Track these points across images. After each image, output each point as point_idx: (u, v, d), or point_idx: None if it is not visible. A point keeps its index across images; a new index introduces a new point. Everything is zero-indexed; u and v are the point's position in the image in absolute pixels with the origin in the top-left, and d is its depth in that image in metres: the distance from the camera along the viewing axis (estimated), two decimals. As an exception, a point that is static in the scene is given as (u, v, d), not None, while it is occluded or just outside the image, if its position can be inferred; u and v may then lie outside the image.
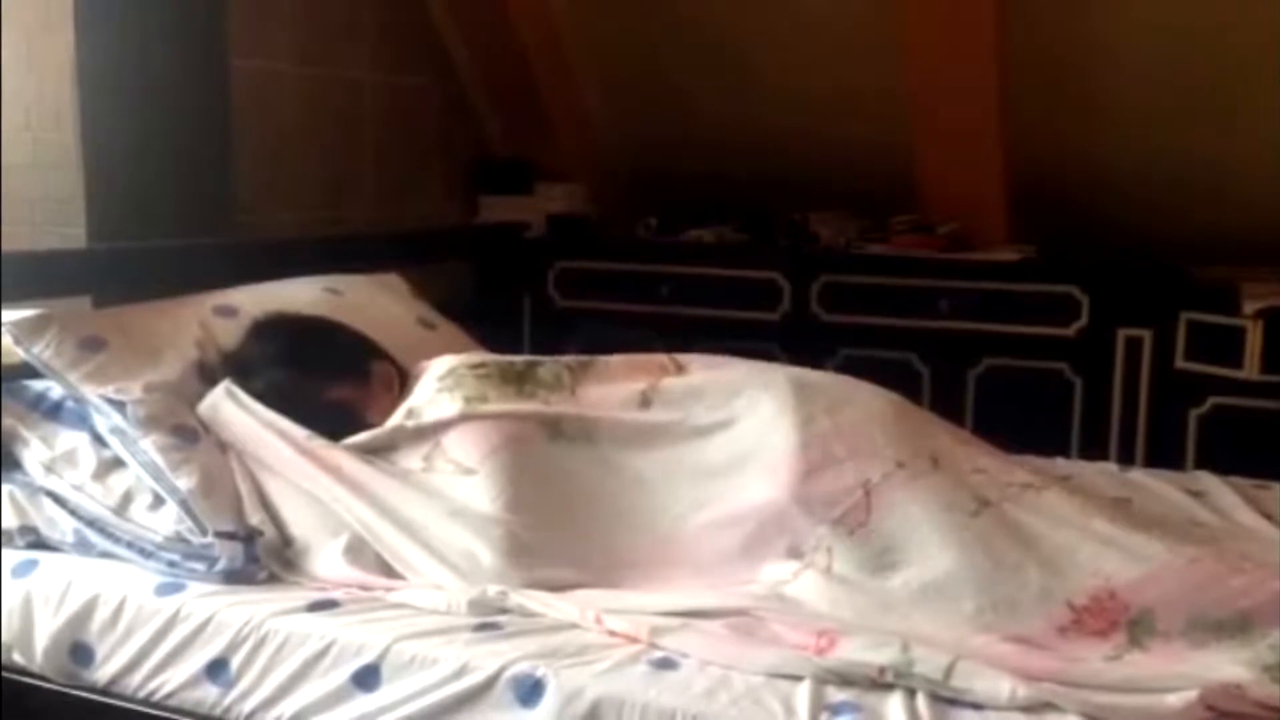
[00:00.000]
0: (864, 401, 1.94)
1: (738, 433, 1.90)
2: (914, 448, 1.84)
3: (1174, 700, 1.39)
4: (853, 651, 1.51)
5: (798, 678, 1.49)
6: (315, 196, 3.29)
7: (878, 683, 1.47)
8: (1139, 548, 1.67)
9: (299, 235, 3.07)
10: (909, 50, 3.28)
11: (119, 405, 1.96)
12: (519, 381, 2.01)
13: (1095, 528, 1.72)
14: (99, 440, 2.01)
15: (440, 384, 2.02)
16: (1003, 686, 1.42)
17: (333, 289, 2.44)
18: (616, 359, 2.08)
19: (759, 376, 1.99)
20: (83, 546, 1.93)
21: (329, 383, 2.08)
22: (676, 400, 1.96)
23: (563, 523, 1.86)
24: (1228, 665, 1.49)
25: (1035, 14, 3.15)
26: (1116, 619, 1.59)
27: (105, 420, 1.98)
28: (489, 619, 1.67)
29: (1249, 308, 2.94)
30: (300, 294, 2.36)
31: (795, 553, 1.76)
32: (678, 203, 3.74)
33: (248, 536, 1.85)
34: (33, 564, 1.90)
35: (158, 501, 1.92)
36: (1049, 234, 3.42)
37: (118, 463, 1.98)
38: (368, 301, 2.45)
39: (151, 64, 2.69)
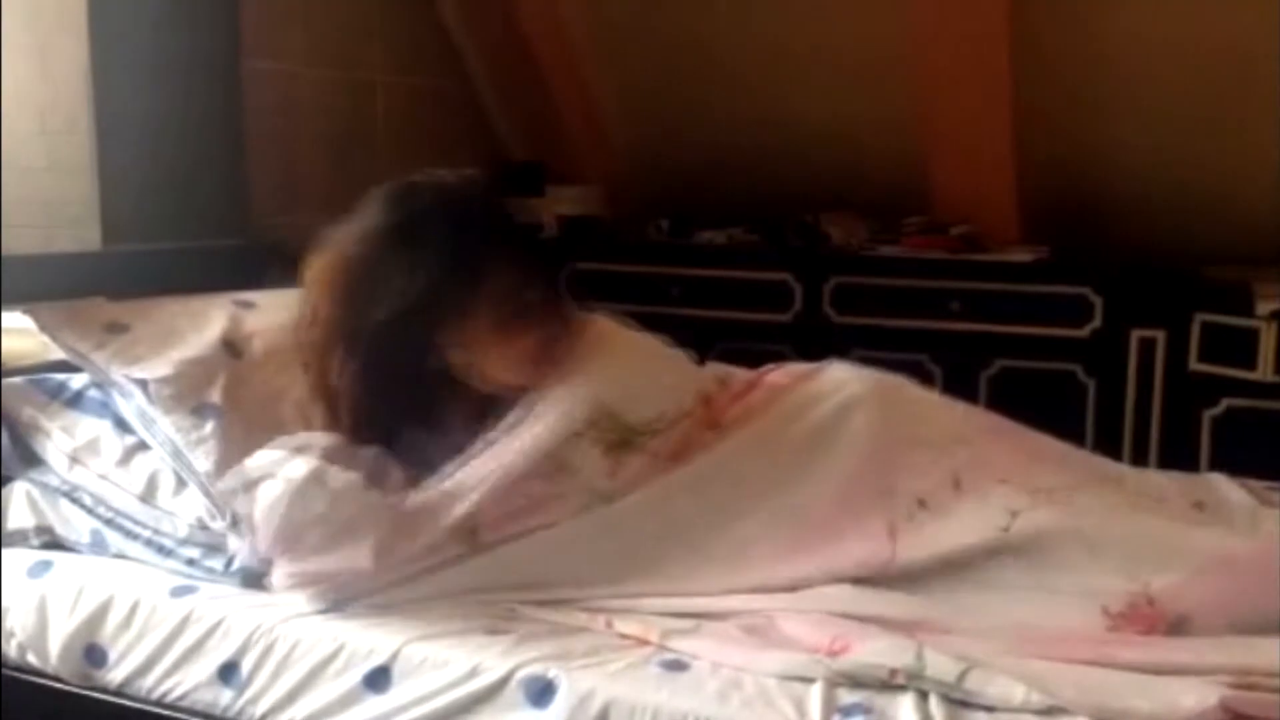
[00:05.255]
0: (881, 434, 1.87)
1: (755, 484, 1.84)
2: (934, 475, 1.80)
3: (1191, 703, 1.39)
4: (866, 655, 1.51)
5: (809, 680, 1.49)
6: (328, 198, 3.29)
7: (889, 684, 1.47)
8: (1176, 552, 1.65)
9: (312, 237, 3.07)
10: (921, 52, 3.28)
11: (141, 384, 1.96)
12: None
13: (1129, 531, 1.70)
14: (121, 427, 2.01)
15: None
16: (1016, 690, 1.42)
17: None
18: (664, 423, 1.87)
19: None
20: (98, 547, 1.94)
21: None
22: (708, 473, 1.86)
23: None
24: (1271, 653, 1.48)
25: (1048, 16, 3.14)
26: (1154, 624, 1.59)
27: (128, 402, 1.98)
28: (499, 621, 1.67)
29: (1263, 309, 2.93)
30: None
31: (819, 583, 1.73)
32: (689, 204, 3.74)
33: None
34: (47, 565, 1.91)
35: (181, 485, 1.92)
36: (1061, 235, 3.41)
37: (141, 448, 1.99)
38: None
39: (165, 67, 2.70)
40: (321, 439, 1.77)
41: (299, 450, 1.73)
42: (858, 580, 1.70)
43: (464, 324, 1.80)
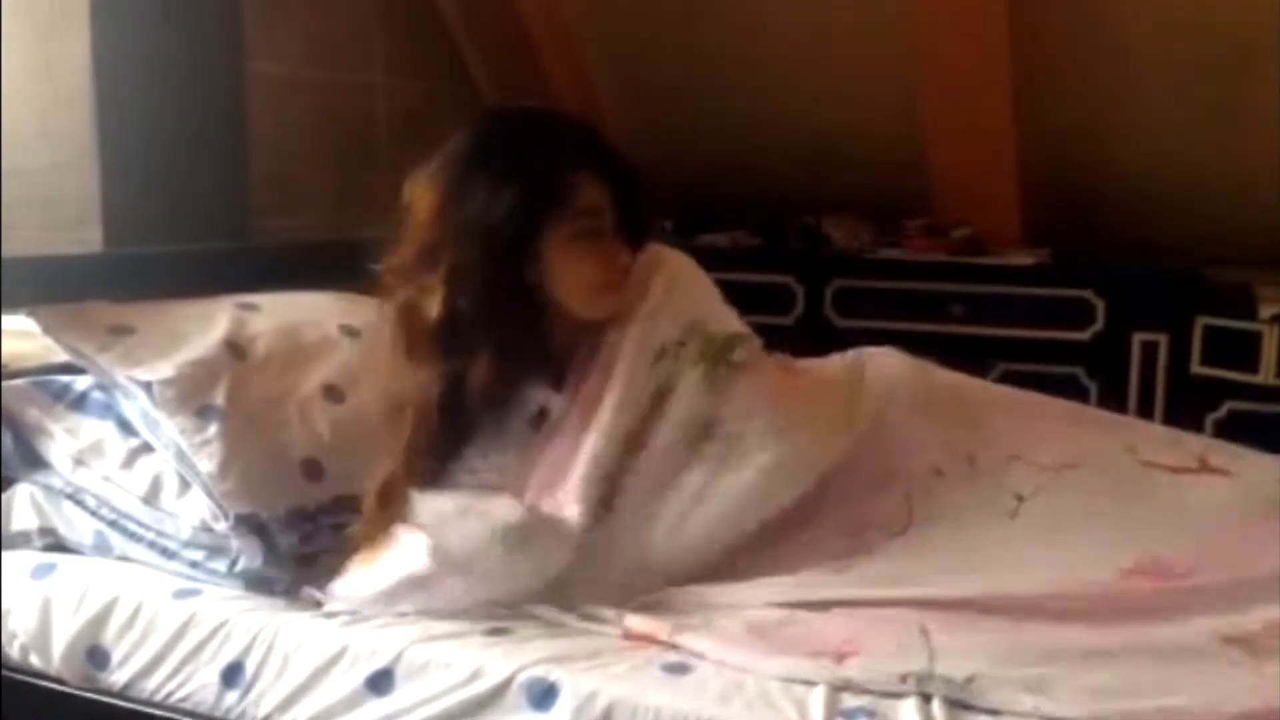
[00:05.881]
0: (900, 401, 1.92)
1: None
2: (950, 446, 1.84)
3: (1198, 712, 1.39)
4: (875, 661, 1.50)
5: (813, 683, 1.48)
6: (331, 200, 3.30)
7: (891, 689, 1.46)
8: (1182, 530, 1.68)
9: (315, 240, 3.08)
10: (922, 53, 3.28)
11: (145, 386, 1.95)
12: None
13: (1136, 508, 1.73)
14: (125, 428, 2.01)
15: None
16: (1024, 697, 1.42)
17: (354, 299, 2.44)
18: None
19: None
20: (102, 549, 1.94)
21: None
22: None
23: None
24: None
25: (1049, 15, 3.15)
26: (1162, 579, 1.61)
27: (132, 404, 1.98)
28: (500, 623, 1.68)
29: (1265, 312, 2.93)
30: (324, 301, 2.36)
31: (836, 556, 1.74)
32: (691, 207, 3.74)
33: (266, 524, 1.83)
34: (51, 567, 1.91)
35: (184, 487, 1.92)
36: (1063, 238, 3.41)
37: (144, 450, 1.98)
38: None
39: (167, 69, 2.70)
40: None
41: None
42: (871, 553, 1.71)
43: (538, 243, 1.79)
